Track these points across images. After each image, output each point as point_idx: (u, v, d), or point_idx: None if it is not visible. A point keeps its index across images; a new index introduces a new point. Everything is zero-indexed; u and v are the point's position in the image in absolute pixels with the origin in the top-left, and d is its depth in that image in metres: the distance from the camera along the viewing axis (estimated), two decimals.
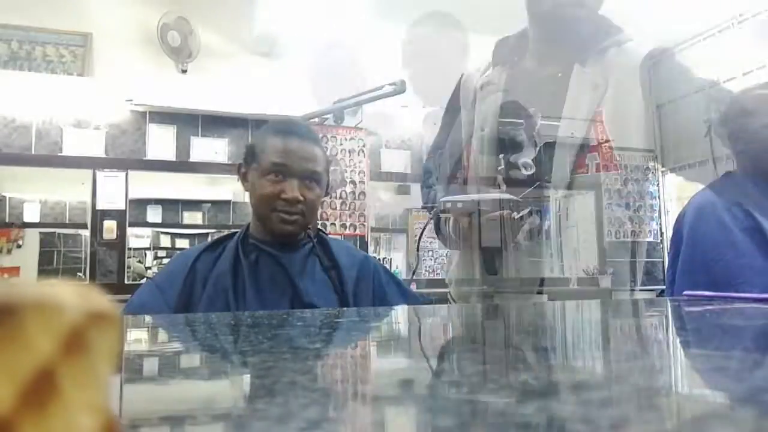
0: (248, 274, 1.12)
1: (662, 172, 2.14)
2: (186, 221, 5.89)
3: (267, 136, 1.19)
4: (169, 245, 5.90)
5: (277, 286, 1.12)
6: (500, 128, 1.51)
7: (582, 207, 1.92)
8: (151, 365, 0.51)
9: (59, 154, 3.94)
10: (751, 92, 1.41)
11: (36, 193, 5.00)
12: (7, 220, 4.78)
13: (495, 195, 1.40)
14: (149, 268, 5.54)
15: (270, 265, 1.14)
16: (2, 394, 0.15)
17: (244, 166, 1.21)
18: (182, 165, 4.18)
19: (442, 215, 1.39)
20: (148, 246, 5.83)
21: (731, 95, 1.48)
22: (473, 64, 1.66)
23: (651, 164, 2.06)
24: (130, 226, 4.19)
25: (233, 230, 1.26)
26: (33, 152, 3.90)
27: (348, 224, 4.48)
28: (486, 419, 0.28)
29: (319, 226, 1.41)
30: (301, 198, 1.13)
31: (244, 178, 1.21)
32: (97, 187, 3.98)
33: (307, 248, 1.20)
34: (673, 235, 1.39)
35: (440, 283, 5.26)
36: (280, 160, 1.14)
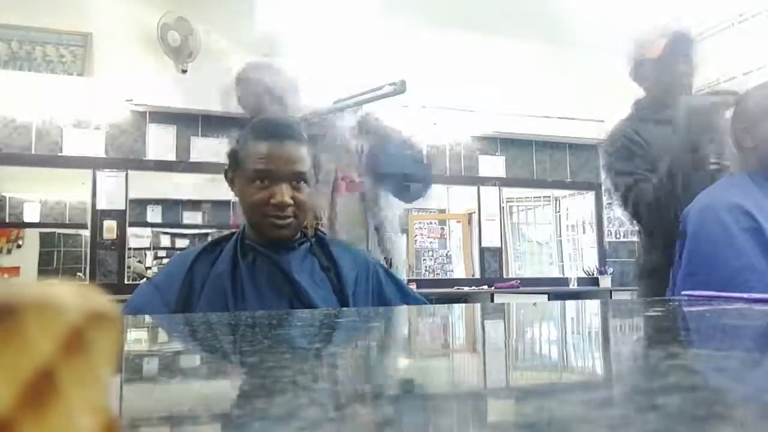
0: (246, 274, 1.12)
1: None
2: (186, 221, 5.89)
3: (248, 141, 1.15)
4: (169, 245, 5.90)
5: (275, 286, 1.12)
6: None
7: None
8: (151, 365, 0.51)
9: (59, 154, 3.94)
10: (759, 91, 1.40)
11: (36, 193, 5.00)
12: (7, 220, 4.78)
13: None
14: (149, 268, 5.54)
15: (268, 265, 1.14)
16: (2, 394, 0.15)
17: (230, 172, 1.19)
18: (182, 165, 4.18)
19: None
20: (148, 246, 5.83)
21: (738, 94, 1.48)
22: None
23: None
24: (130, 226, 4.19)
25: (232, 231, 1.25)
26: (33, 152, 3.90)
27: None
28: (485, 419, 0.28)
29: (318, 227, 1.41)
30: (291, 201, 1.12)
31: (232, 183, 1.20)
32: (97, 187, 3.98)
33: (304, 248, 1.19)
34: (676, 236, 1.39)
35: (440, 282, 5.25)
36: (265, 166, 1.11)
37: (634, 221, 1.80)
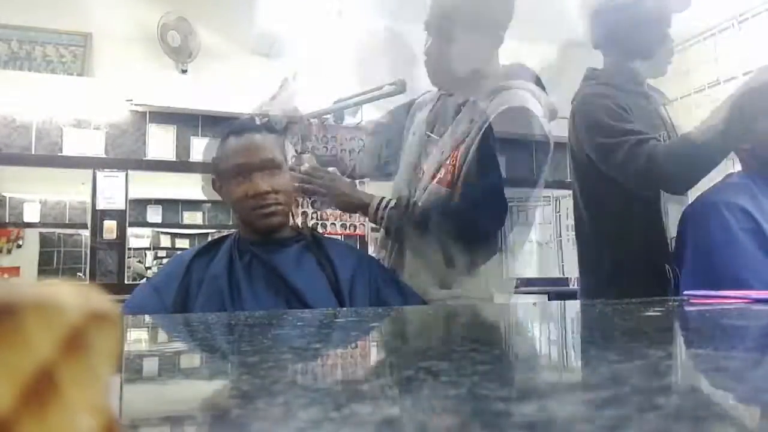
0: (243, 275, 1.12)
1: None
2: (186, 221, 5.89)
3: (220, 145, 1.24)
4: (169, 245, 5.90)
5: (271, 286, 1.12)
6: None
7: None
8: (151, 365, 0.51)
9: (59, 154, 3.94)
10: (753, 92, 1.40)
11: (36, 193, 5.00)
12: (7, 220, 4.78)
13: None
14: (149, 268, 5.54)
15: (263, 265, 1.14)
16: (2, 394, 0.15)
17: (217, 180, 1.26)
18: (182, 165, 4.18)
19: None
20: (148, 246, 5.83)
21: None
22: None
23: None
24: (130, 226, 4.19)
25: (230, 231, 1.27)
26: (33, 152, 3.90)
27: (348, 224, 4.47)
28: (485, 419, 0.28)
29: (317, 226, 1.41)
30: (270, 189, 1.16)
31: (221, 192, 1.26)
32: (97, 187, 3.98)
33: (300, 247, 1.20)
34: (677, 237, 1.39)
35: None
36: (237, 161, 1.18)
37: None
